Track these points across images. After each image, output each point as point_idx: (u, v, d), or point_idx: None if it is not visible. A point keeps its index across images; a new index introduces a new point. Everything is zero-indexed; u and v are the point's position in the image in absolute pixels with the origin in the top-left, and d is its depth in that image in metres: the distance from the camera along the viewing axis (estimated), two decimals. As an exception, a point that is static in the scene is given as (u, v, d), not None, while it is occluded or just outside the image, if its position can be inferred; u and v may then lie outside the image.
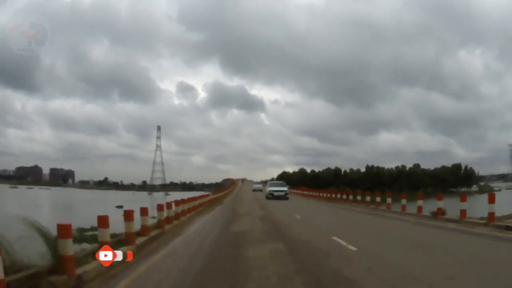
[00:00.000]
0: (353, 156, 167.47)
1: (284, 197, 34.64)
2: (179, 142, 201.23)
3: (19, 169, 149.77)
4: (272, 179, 78.86)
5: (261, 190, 53.43)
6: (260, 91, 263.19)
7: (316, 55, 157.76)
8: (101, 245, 7.78)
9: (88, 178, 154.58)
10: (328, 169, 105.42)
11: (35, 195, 79.20)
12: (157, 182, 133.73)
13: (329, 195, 37.06)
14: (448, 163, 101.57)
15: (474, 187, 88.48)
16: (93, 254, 7.86)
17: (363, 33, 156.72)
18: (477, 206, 19.46)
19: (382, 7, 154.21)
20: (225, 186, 75.52)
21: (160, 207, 12.75)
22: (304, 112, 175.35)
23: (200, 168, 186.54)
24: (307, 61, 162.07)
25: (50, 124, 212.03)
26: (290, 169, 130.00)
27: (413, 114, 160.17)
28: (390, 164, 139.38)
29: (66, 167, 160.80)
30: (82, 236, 18.54)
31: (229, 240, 10.37)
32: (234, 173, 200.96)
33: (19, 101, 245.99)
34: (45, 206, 51.88)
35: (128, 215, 9.38)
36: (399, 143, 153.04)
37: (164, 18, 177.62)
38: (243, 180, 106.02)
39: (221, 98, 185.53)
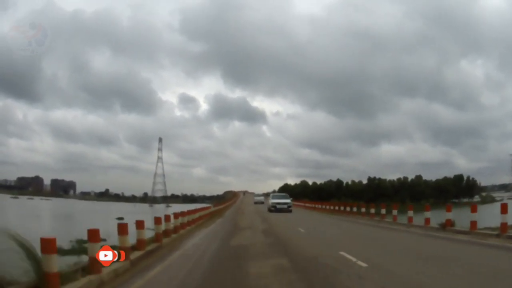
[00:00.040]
0: (355, 168, 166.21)
1: (287, 209, 33.50)
2: (180, 154, 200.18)
3: (20, 179, 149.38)
4: (274, 191, 78.04)
5: (262, 203, 52.75)
6: (262, 103, 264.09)
7: (317, 65, 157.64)
8: (91, 261, 7.25)
9: (89, 189, 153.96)
10: (330, 181, 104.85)
11: (36, 206, 78.86)
12: (159, 194, 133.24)
13: (332, 207, 36.35)
14: (450, 173, 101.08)
15: (476, 198, 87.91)
16: (82, 270, 7.32)
17: (364, 43, 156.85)
18: (481, 216, 18.55)
19: (382, 17, 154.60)
20: (227, 199, 74.84)
21: (157, 220, 12.14)
22: (305, 124, 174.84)
23: (201, 180, 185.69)
24: (308, 72, 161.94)
25: (51, 135, 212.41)
26: (292, 181, 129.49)
27: (414, 125, 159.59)
28: (391, 175, 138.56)
29: (67, 178, 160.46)
30: (81, 248, 18.09)
31: (229, 255, 9.75)
32: (236, 185, 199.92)
33: (20, 110, 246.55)
34: (45, 217, 51.47)
35: (122, 229, 8.81)
36: (400, 154, 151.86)
37: (166, 28, 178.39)
38: (245, 192, 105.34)
39: (223, 110, 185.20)
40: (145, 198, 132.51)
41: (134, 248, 9.96)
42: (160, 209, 73.48)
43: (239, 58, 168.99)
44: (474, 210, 14.01)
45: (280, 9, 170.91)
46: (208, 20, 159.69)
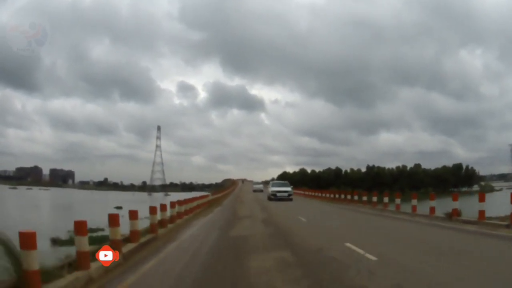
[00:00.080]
0: (353, 156, 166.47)
1: (288, 198, 32.28)
2: (179, 142, 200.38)
3: (19, 169, 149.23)
4: (273, 179, 77.45)
5: (262, 191, 52.33)
6: (261, 91, 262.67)
7: (317, 55, 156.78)
8: (79, 256, 6.69)
9: (88, 178, 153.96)
10: (329, 169, 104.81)
11: (34, 196, 78.83)
12: (157, 182, 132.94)
13: (332, 195, 35.87)
14: (448, 163, 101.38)
15: (475, 187, 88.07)
16: (69, 266, 6.76)
17: (364, 33, 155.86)
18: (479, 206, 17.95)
19: (382, 7, 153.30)
20: (225, 187, 74.51)
21: (152, 210, 11.52)
22: (304, 112, 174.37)
23: (200, 168, 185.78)
24: (307, 61, 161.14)
25: (50, 124, 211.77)
26: (291, 169, 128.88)
27: (413, 114, 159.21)
28: (390, 164, 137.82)
29: (66, 167, 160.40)
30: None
31: (228, 247, 9.17)
32: (234, 173, 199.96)
33: (19, 100, 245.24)
34: (43, 207, 51.24)
35: (112, 220, 8.23)
36: (399, 143, 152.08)
37: (165, 17, 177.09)
38: (244, 180, 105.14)
39: (222, 98, 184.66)
40: (144, 187, 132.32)
41: (127, 240, 9.43)
42: (159, 198, 73.13)
43: (238, 46, 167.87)
44: (482, 199, 13.51)
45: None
46: (207, 8, 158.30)
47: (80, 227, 6.79)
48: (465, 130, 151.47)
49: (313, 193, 44.62)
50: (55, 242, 19.06)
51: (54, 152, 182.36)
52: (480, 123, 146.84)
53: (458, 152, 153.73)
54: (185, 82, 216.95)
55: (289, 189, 34.16)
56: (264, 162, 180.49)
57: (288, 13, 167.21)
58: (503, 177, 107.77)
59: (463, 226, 12.54)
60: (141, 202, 43.56)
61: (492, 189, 79.23)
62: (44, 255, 6.49)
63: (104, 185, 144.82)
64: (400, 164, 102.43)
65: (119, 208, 40.51)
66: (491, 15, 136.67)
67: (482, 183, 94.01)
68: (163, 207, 13.29)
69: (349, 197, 30.33)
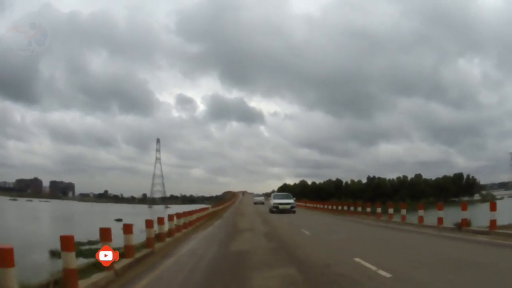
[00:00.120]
0: (354, 168, 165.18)
1: (291, 210, 30.74)
2: (178, 154, 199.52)
3: (19, 181, 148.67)
4: (273, 191, 76.49)
5: (263, 203, 51.60)
6: (259, 103, 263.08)
7: (315, 65, 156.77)
8: (65, 273, 6.13)
9: (88, 190, 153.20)
10: (329, 180, 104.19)
11: (34, 208, 78.31)
12: (157, 195, 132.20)
13: (334, 207, 35.19)
14: (448, 172, 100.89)
15: (477, 196, 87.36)
16: (55, 284, 6.21)
17: (361, 43, 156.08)
18: (482, 215, 17.39)
19: (379, 16, 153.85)
20: (225, 199, 73.79)
21: (149, 223, 10.94)
22: (303, 124, 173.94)
23: (199, 180, 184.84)
24: (305, 72, 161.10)
25: (49, 136, 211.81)
26: (291, 181, 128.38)
27: (412, 124, 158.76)
28: (390, 174, 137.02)
29: (66, 179, 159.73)
30: (78, 250, 17.14)
31: (228, 263, 8.54)
32: (234, 186, 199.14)
33: (18, 112, 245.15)
34: (43, 219, 50.70)
35: (104, 234, 7.67)
36: (399, 153, 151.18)
37: (163, 30, 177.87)
38: (244, 192, 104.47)
39: (220, 111, 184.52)
40: (144, 199, 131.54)
41: (121, 255, 8.85)
42: (159, 210, 72.59)
43: (236, 58, 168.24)
44: (493, 208, 12.93)
45: (277, 9, 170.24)
46: (205, 21, 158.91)
47: (67, 242, 6.23)
48: (465, 139, 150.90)
49: (314, 205, 43.94)
50: (54, 254, 18.83)
51: (54, 164, 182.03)
52: (480, 132, 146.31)
53: (458, 161, 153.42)
54: (184, 94, 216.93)
55: (292, 201, 32.62)
56: (264, 174, 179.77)
57: (285, 24, 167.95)
58: (503, 185, 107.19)
59: (474, 236, 11.96)
60: (141, 215, 42.96)
61: (493, 198, 78.56)
62: (40, 268, 6.13)
63: (104, 197, 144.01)
64: (400, 174, 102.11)
65: (119, 220, 39.94)
66: (489, 23, 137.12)
67: (483, 192, 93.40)
68: (160, 220, 12.71)
69: (352, 208, 29.69)
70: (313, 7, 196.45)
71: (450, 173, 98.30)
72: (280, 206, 30.91)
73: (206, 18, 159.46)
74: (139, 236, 10.88)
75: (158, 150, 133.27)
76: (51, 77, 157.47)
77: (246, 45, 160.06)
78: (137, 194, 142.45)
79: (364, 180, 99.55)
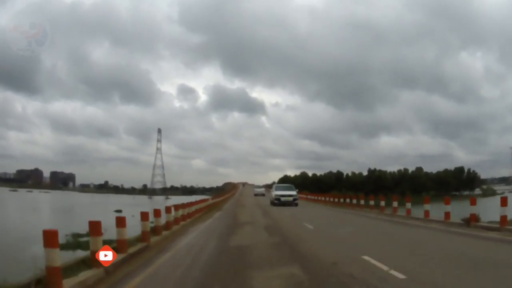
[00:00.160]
0: (354, 160, 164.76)
1: (293, 203, 29.53)
2: (179, 145, 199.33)
3: (20, 172, 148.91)
4: (273, 183, 75.95)
5: (263, 195, 51.13)
6: (261, 94, 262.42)
7: (317, 57, 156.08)
8: (48, 271, 5.61)
9: (89, 181, 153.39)
10: (330, 172, 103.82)
11: (34, 199, 78.38)
12: (158, 185, 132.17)
13: (336, 199, 34.68)
14: (449, 166, 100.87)
15: (477, 191, 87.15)
16: (37, 284, 5.68)
17: (364, 35, 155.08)
18: (484, 209, 16.84)
19: (382, 9, 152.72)
20: (226, 190, 73.42)
21: (144, 216, 10.36)
22: (304, 115, 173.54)
23: (200, 171, 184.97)
24: (307, 64, 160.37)
25: (50, 127, 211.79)
26: (291, 172, 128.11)
27: (414, 117, 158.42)
28: (391, 167, 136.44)
29: (67, 170, 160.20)
30: (76, 242, 16.70)
31: (227, 260, 7.96)
32: (235, 177, 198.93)
33: (19, 103, 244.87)
34: (42, 210, 50.52)
35: (94, 228, 7.14)
36: (400, 146, 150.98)
37: (165, 20, 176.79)
38: (244, 184, 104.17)
39: (222, 101, 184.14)
40: (145, 190, 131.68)
41: (114, 250, 8.32)
42: (159, 201, 72.37)
43: (238, 49, 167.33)
44: (504, 203, 12.41)
45: (280, 0, 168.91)
46: (207, 11, 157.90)
47: (50, 237, 5.69)
48: (466, 133, 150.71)
49: (315, 197, 43.47)
50: None
51: (55, 155, 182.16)
52: (481, 126, 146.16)
53: (459, 155, 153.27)
54: (186, 85, 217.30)
55: (294, 193, 31.28)
56: (265, 166, 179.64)
57: (288, 16, 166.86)
58: (504, 180, 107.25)
59: (485, 233, 11.46)
60: (141, 206, 42.64)
61: (494, 193, 78.16)
62: (37, 261, 5.87)
63: (104, 188, 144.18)
64: (400, 167, 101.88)
65: (119, 211, 39.64)
66: (492, 17, 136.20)
67: (484, 187, 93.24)
68: (157, 212, 12.16)
69: (354, 201, 29.17)
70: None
71: (451, 166, 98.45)
72: (282, 198, 29.84)
73: (209, 8, 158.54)
74: (138, 227, 10.38)
75: (159, 141, 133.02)
76: (52, 68, 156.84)
77: (249, 36, 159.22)
78: (138, 185, 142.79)
79: (365, 173, 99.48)
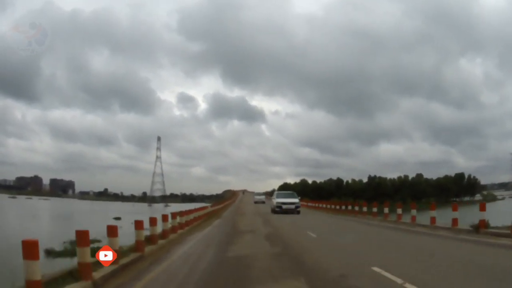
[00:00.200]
0: (354, 167, 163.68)
1: (295, 210, 28.39)
2: (179, 153, 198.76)
3: (19, 179, 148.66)
4: (273, 190, 75.09)
5: (263, 202, 50.44)
6: (261, 102, 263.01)
7: (316, 65, 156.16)
8: (28, 286, 5.08)
9: (88, 189, 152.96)
10: (330, 179, 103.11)
11: (33, 206, 78.11)
12: (157, 193, 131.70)
13: (337, 206, 34.05)
14: (449, 172, 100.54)
15: (478, 196, 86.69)
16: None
17: (363, 42, 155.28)
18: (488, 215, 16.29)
19: (381, 16, 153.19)
20: (226, 198, 72.78)
21: (139, 224, 9.77)
22: (304, 123, 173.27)
23: (200, 179, 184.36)
24: (307, 71, 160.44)
25: (50, 134, 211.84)
26: (291, 180, 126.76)
27: (413, 124, 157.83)
28: (391, 174, 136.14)
29: (66, 177, 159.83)
30: (74, 249, 16.18)
31: (225, 273, 7.35)
32: (235, 185, 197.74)
33: (19, 110, 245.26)
34: (41, 217, 50.34)
35: (81, 238, 6.57)
36: (399, 153, 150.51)
37: (164, 28, 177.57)
38: (244, 191, 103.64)
39: (222, 109, 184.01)
40: (144, 198, 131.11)
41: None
42: (159, 209, 71.91)
43: (238, 57, 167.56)
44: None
45: (279, 9, 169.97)
46: (206, 20, 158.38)
47: (30, 248, 5.14)
48: (466, 139, 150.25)
49: (316, 204, 42.82)
50: (49, 253, 18.41)
51: (54, 162, 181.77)
52: (481, 132, 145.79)
53: (459, 162, 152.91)
54: (185, 93, 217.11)
55: (296, 200, 30.12)
56: (265, 173, 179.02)
57: (287, 24, 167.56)
58: (503, 186, 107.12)
59: (496, 239, 10.95)
60: (140, 213, 42.12)
61: (494, 198, 77.70)
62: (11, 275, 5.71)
63: (104, 195, 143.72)
64: (400, 174, 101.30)
65: (118, 219, 39.19)
66: (491, 23, 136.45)
67: (485, 192, 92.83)
68: (152, 221, 11.57)
69: (356, 208, 28.56)
70: (315, 6, 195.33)
71: (451, 173, 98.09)
72: (284, 206, 28.70)
73: (208, 17, 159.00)
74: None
75: (158, 149, 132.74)
76: (52, 75, 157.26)
77: (248, 44, 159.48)
78: (137, 193, 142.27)
79: (365, 180, 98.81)
